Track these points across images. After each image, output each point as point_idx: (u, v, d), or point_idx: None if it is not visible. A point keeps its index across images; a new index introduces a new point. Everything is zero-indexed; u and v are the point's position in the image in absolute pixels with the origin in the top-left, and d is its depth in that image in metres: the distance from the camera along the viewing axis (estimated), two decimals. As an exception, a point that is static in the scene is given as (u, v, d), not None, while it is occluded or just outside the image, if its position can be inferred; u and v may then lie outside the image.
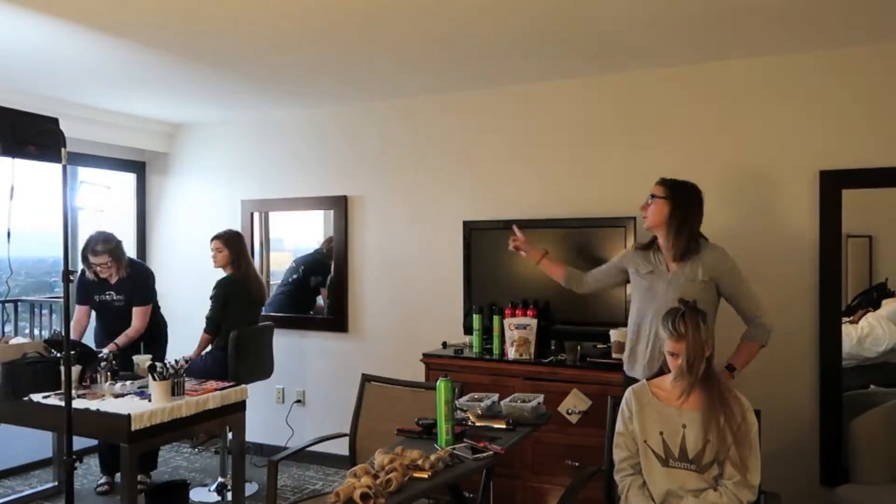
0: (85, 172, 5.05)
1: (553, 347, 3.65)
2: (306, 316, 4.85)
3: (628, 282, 3.02)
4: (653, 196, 2.82)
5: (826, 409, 3.33)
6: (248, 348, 4.03)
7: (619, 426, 2.39)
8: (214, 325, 4.02)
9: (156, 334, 4.21)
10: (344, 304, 4.64)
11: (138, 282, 4.12)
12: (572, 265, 3.35)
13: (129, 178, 5.36)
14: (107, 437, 3.21)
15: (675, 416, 2.28)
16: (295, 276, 4.90)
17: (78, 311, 4.13)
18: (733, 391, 2.30)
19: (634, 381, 2.63)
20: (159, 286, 4.29)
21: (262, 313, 4.38)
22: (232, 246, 4.13)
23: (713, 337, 2.39)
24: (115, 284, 4.06)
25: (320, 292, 4.85)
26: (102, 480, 4.20)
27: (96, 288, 4.07)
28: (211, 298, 4.04)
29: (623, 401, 2.41)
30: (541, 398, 2.69)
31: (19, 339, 3.76)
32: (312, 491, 4.18)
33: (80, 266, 4.09)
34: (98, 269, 3.97)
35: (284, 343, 4.72)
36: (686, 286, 2.72)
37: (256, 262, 4.81)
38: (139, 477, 4.17)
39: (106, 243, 3.97)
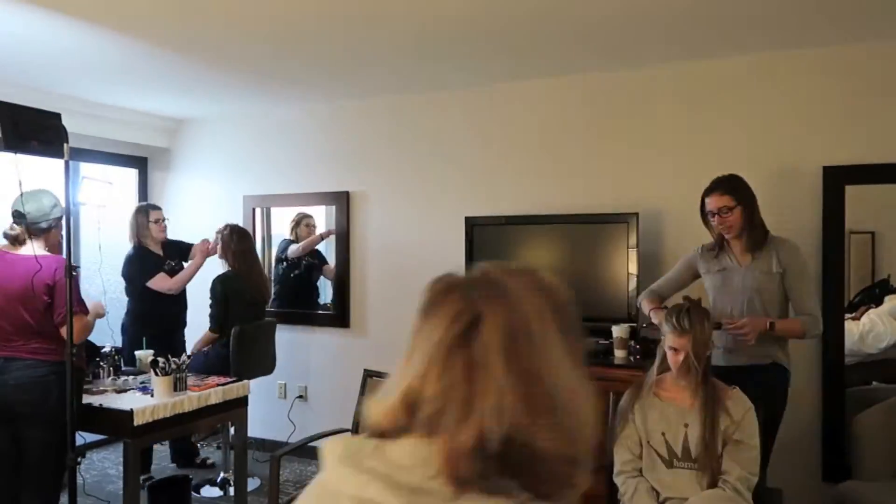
0: (87, 168, 5.04)
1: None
2: (308, 311, 4.84)
3: (697, 277, 3.08)
4: (728, 209, 2.83)
5: (828, 406, 3.33)
6: (249, 344, 4.02)
7: (622, 428, 2.37)
8: (218, 322, 4.02)
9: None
10: (346, 300, 4.64)
11: (175, 242, 4.41)
12: (574, 261, 3.36)
13: (132, 174, 5.36)
14: (110, 432, 3.22)
15: (677, 416, 2.27)
16: (297, 272, 4.88)
17: (161, 278, 4.12)
18: (735, 389, 2.30)
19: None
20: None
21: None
22: (223, 241, 4.13)
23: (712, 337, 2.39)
24: (166, 252, 4.24)
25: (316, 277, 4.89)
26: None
27: (159, 260, 4.18)
28: (210, 297, 4.05)
29: (623, 401, 2.40)
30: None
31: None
32: (314, 486, 4.19)
33: (130, 248, 4.20)
34: (163, 223, 4.20)
35: (286, 338, 4.72)
36: (762, 278, 2.83)
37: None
38: (198, 460, 4.54)
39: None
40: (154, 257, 4.19)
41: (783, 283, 2.84)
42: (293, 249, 4.76)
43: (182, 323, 4.35)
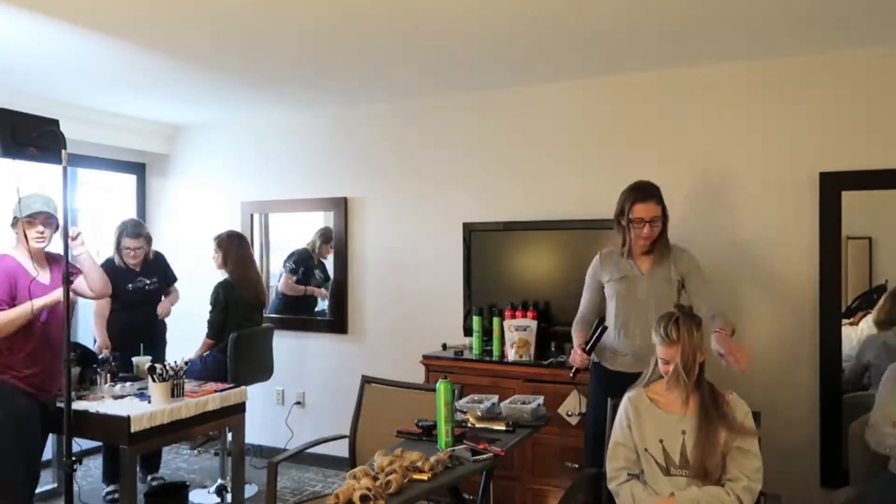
0: (85, 174, 5.05)
1: (553, 349, 3.65)
2: (306, 317, 4.84)
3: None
4: (658, 218, 2.82)
5: (826, 411, 3.33)
6: (247, 350, 4.02)
7: (617, 435, 2.35)
8: (215, 329, 4.02)
9: (161, 332, 4.26)
10: (344, 306, 4.65)
11: (164, 262, 4.30)
12: (572, 267, 3.37)
13: (130, 180, 5.37)
14: (107, 438, 3.21)
15: (675, 423, 2.26)
16: (295, 278, 4.88)
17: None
18: (732, 394, 2.30)
19: (609, 372, 2.90)
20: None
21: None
22: (223, 248, 4.12)
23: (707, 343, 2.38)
24: (143, 270, 4.13)
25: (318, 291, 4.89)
26: (111, 489, 4.09)
27: (125, 277, 4.03)
28: (211, 304, 4.05)
29: (621, 409, 2.39)
30: (540, 400, 2.69)
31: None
32: (312, 493, 4.18)
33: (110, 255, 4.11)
34: (133, 252, 4.03)
35: (284, 344, 4.72)
36: (663, 286, 2.87)
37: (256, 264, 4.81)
38: (148, 477, 4.24)
39: (142, 227, 4.14)
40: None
41: (682, 290, 2.91)
42: (284, 286, 4.84)
43: (156, 344, 4.17)
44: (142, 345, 3.90)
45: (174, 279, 4.35)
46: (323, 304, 4.85)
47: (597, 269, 3.01)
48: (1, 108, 2.71)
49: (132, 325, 4.03)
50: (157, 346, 4.15)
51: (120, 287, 3.92)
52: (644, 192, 2.85)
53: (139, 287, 4.10)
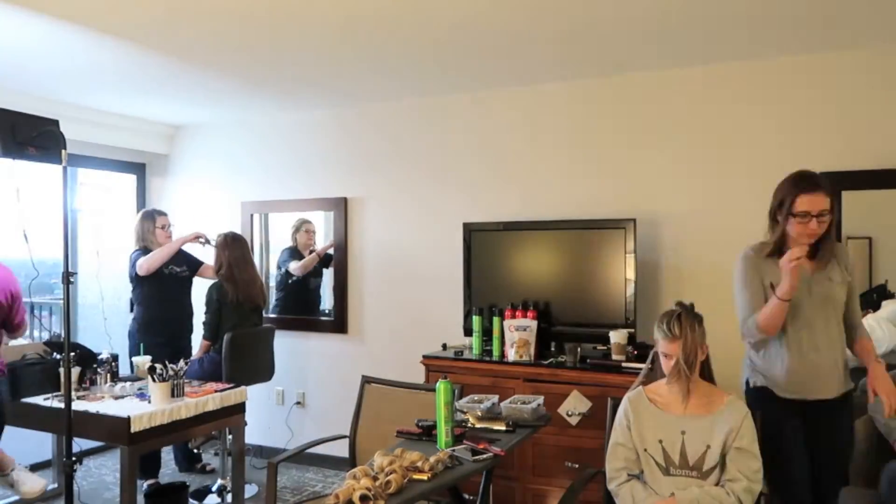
0: (85, 174, 5.05)
1: (553, 349, 3.65)
2: (306, 317, 4.84)
3: None
4: (828, 212, 2.34)
5: (826, 411, 3.32)
6: (243, 350, 4.01)
7: (617, 436, 2.35)
8: (211, 329, 4.02)
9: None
10: (344, 306, 4.64)
11: (186, 251, 4.43)
12: (571, 267, 3.36)
13: (130, 180, 5.37)
14: (107, 438, 3.21)
15: (674, 423, 2.26)
16: (294, 277, 4.88)
17: (143, 260, 4.27)
18: (730, 396, 2.29)
19: (781, 400, 2.43)
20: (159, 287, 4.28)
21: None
22: (217, 249, 4.15)
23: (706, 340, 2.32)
24: (174, 258, 4.25)
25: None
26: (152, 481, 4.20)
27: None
28: (205, 305, 4.06)
29: (620, 409, 2.39)
30: (541, 400, 2.69)
31: (19, 341, 3.76)
32: (312, 493, 4.18)
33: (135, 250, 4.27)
34: (168, 230, 4.28)
35: (284, 345, 4.72)
36: (838, 289, 2.43)
37: (256, 264, 4.80)
38: (149, 482, 4.18)
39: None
40: None
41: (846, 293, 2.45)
42: (294, 267, 4.78)
43: (188, 329, 4.35)
44: (141, 344, 3.90)
45: (197, 261, 4.48)
46: (324, 304, 4.86)
47: (759, 266, 2.45)
48: (1, 108, 2.71)
49: (171, 305, 4.31)
50: (185, 335, 4.39)
51: (157, 271, 4.18)
52: (810, 181, 2.35)
53: (174, 272, 4.29)
